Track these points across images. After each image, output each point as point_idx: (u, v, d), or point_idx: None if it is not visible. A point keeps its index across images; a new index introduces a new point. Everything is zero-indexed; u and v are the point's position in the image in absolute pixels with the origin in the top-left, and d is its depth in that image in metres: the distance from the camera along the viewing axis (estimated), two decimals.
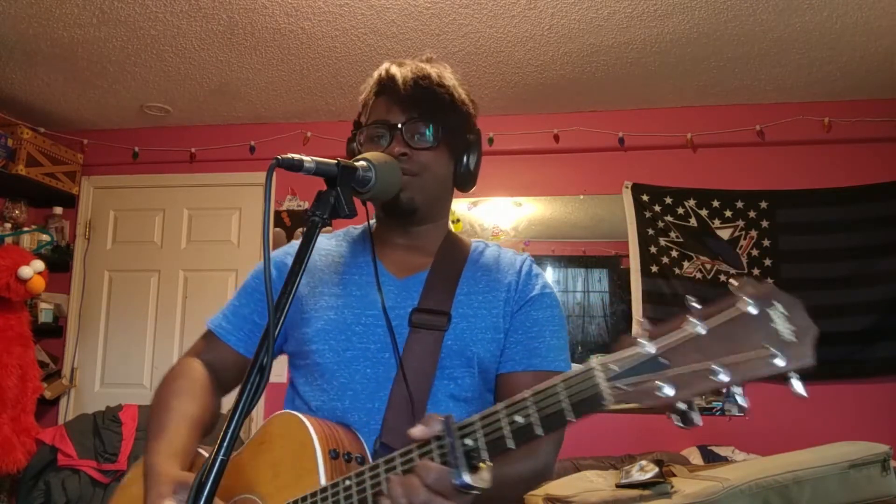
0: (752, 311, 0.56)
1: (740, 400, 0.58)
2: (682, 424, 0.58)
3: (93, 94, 3.15)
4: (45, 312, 3.33)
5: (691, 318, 0.59)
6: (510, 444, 0.66)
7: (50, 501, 2.66)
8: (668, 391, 0.58)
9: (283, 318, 0.74)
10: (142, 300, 3.47)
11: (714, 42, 2.61)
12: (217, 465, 0.66)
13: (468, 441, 0.69)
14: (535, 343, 1.00)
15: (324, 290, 1.04)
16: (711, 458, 2.69)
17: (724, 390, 0.57)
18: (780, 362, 0.54)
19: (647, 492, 2.11)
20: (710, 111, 3.22)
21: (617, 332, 3.17)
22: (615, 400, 0.61)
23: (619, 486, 2.23)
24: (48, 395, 3.17)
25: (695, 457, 2.72)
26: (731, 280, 0.59)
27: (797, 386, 0.54)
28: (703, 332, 0.58)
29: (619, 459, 2.71)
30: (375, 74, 1.05)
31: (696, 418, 0.58)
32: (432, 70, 1.02)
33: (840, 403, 2.82)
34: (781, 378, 0.55)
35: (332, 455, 0.83)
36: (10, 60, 2.79)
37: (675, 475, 2.26)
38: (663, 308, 3.08)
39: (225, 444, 0.67)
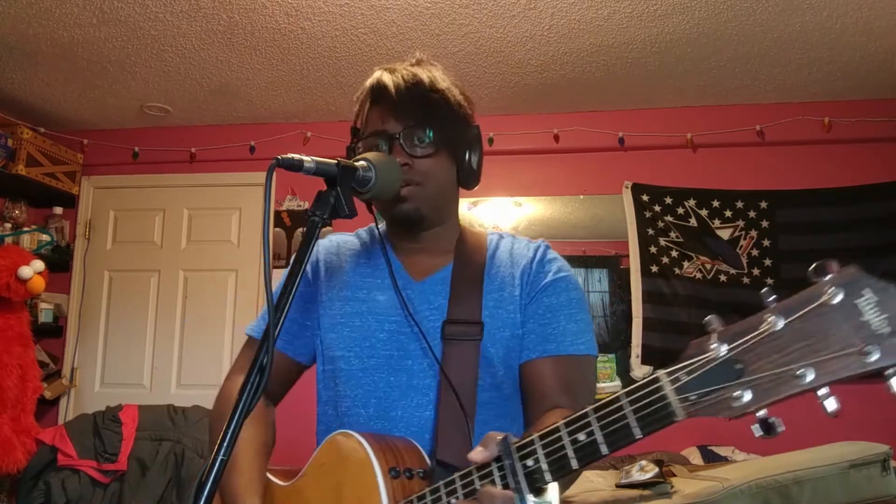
0: (837, 300, 0.48)
1: (829, 404, 0.49)
2: (763, 433, 0.51)
3: (93, 94, 3.15)
4: (45, 312, 3.33)
5: (767, 313, 0.50)
6: (574, 464, 0.63)
7: (50, 501, 2.66)
8: (746, 399, 0.51)
9: (283, 318, 0.74)
10: (142, 300, 3.47)
11: (714, 42, 2.61)
12: (217, 466, 0.66)
13: (529, 462, 0.66)
14: (548, 329, 0.98)
15: (347, 293, 1.04)
16: (711, 458, 2.69)
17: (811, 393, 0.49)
18: (875, 358, 0.46)
19: (647, 492, 2.11)
20: (710, 111, 3.22)
21: (617, 332, 3.17)
22: (687, 413, 0.54)
23: (619, 486, 2.24)
24: (48, 395, 3.16)
25: (695, 457, 2.72)
26: (815, 265, 0.50)
27: None
28: (781, 327, 0.50)
29: (619, 459, 2.70)
30: (367, 83, 1.02)
31: (779, 425, 0.51)
32: (424, 74, 0.99)
33: (840, 403, 2.82)
34: (876, 376, 0.46)
35: (393, 474, 0.82)
36: (10, 60, 2.78)
37: (675, 475, 2.27)
38: (663, 308, 3.08)
39: (225, 445, 0.67)
